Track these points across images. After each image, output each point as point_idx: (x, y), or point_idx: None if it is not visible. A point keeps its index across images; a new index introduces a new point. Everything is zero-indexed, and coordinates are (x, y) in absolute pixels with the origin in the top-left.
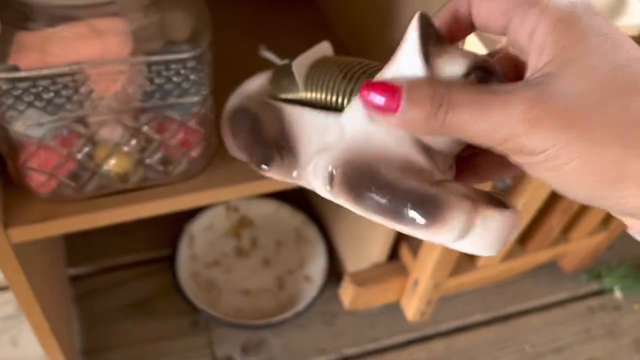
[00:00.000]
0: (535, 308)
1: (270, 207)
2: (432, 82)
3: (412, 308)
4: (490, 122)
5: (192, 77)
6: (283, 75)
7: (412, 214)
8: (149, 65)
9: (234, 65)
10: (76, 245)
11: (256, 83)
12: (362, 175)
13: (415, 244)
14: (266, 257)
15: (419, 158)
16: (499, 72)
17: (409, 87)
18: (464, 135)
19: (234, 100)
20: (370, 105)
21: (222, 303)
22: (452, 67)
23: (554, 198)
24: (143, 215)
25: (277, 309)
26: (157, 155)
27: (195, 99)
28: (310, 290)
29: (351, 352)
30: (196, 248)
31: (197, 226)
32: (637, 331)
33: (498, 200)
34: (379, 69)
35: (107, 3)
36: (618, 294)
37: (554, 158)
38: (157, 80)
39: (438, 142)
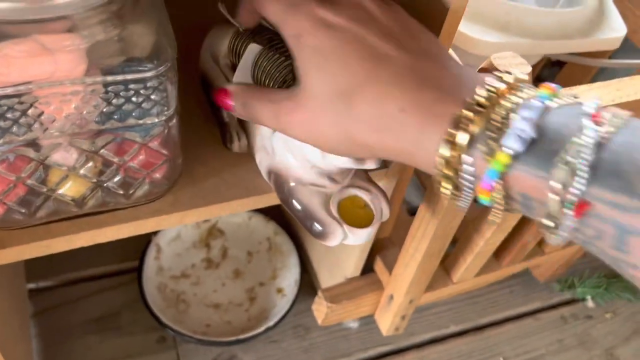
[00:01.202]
0: (508, 318)
1: (242, 217)
2: (244, 88)
3: (386, 323)
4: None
5: (154, 96)
6: (236, 51)
7: (315, 227)
8: (106, 85)
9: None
10: (36, 258)
11: (224, 44)
12: (288, 192)
13: (390, 259)
14: (237, 268)
15: (321, 180)
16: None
17: (233, 91)
18: (258, 120)
19: (205, 55)
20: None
21: (190, 318)
22: None
23: None
24: (102, 241)
25: (248, 324)
26: (116, 179)
27: (157, 119)
28: (282, 304)
29: None
30: (163, 260)
31: (164, 237)
32: (609, 341)
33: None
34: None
35: (58, 18)
36: (590, 303)
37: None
38: (115, 101)
39: (331, 168)
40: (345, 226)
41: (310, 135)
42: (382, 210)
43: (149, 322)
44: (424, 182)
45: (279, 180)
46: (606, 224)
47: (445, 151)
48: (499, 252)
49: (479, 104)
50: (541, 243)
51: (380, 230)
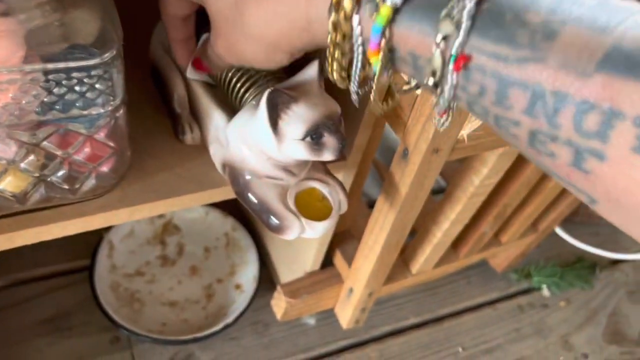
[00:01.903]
0: (467, 309)
1: (198, 212)
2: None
3: (346, 316)
4: None
5: (98, 86)
6: None
7: (272, 221)
8: (47, 73)
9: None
10: None
11: None
12: (243, 185)
13: (349, 253)
14: (194, 265)
15: (278, 173)
16: (337, 122)
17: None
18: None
19: (155, 44)
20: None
21: (145, 317)
22: (294, 132)
23: (487, 205)
24: (47, 239)
25: (205, 321)
26: (60, 173)
27: (103, 110)
28: (241, 300)
29: None
30: (116, 257)
31: (116, 234)
32: (563, 328)
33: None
34: (274, 78)
35: None
36: (546, 291)
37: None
38: (57, 90)
39: (288, 160)
40: (303, 219)
41: (232, 55)
42: (340, 203)
43: (102, 322)
44: (383, 175)
45: (234, 173)
46: (488, 77)
47: (334, 17)
48: (457, 243)
49: None
50: (498, 234)
51: (339, 223)
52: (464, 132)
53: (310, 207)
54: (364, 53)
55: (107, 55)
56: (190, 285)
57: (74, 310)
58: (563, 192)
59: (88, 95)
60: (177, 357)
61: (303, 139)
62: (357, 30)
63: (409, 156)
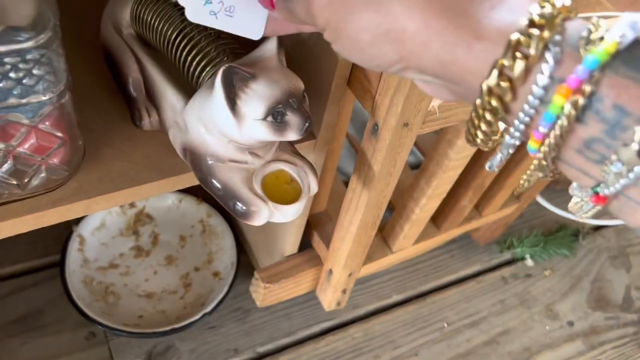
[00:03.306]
0: (451, 283)
1: (171, 200)
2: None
3: (327, 298)
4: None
5: (36, 71)
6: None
7: (238, 207)
8: None
9: (90, 45)
10: None
11: (126, 12)
12: (206, 170)
13: (327, 234)
14: (170, 254)
15: (241, 156)
16: (300, 99)
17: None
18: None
19: (106, 26)
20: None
21: (121, 310)
22: (254, 111)
23: (464, 178)
24: None
25: (183, 311)
26: (5, 167)
27: (45, 97)
28: (219, 288)
29: (266, 349)
30: (87, 251)
31: (87, 226)
32: (548, 297)
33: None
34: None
35: None
36: (529, 261)
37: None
38: None
39: (250, 141)
40: (271, 203)
41: (331, 12)
42: (310, 184)
43: (76, 319)
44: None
45: (195, 158)
46: None
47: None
48: (437, 218)
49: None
50: (478, 206)
51: (316, 204)
52: (435, 104)
53: (278, 190)
54: (539, 99)
55: (42, 37)
56: (167, 276)
57: (46, 308)
58: None
59: (25, 81)
60: (156, 350)
61: (264, 118)
62: (546, 69)
63: (379, 131)
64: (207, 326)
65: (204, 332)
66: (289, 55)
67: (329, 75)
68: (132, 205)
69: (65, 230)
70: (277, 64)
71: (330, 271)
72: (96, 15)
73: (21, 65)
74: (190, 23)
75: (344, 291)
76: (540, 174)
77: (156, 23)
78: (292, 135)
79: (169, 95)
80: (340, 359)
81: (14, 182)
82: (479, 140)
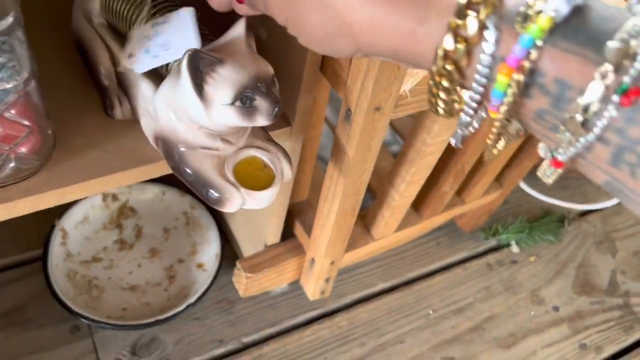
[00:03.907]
0: (436, 270)
1: (154, 192)
2: None
3: (311, 287)
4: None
5: None
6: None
7: (211, 194)
8: None
9: (61, 35)
10: None
11: (96, 1)
12: (178, 158)
13: (309, 222)
14: (153, 247)
15: (213, 143)
16: (269, 84)
17: None
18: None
19: (77, 15)
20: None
21: (105, 303)
22: (221, 96)
23: (444, 164)
24: None
25: (167, 303)
26: None
27: (9, 85)
28: (203, 279)
29: (251, 339)
30: (70, 245)
31: (69, 220)
32: (533, 283)
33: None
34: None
35: None
36: (515, 248)
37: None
38: None
39: (220, 127)
40: (243, 190)
41: (286, 11)
42: (283, 170)
43: (60, 313)
44: None
45: (167, 146)
46: None
47: (449, 43)
48: (418, 205)
49: None
50: (460, 193)
51: (297, 193)
52: (406, 87)
53: (251, 177)
54: (486, 77)
55: (2, 24)
56: (151, 268)
57: (30, 302)
58: (524, 146)
59: None
60: (141, 342)
61: (232, 103)
62: (489, 47)
63: (352, 117)
64: (191, 317)
65: (188, 324)
66: (258, 40)
67: (301, 61)
68: (115, 198)
69: (47, 225)
70: (245, 49)
71: (313, 260)
72: (67, 5)
73: None
74: (161, 11)
75: (327, 280)
76: (503, 139)
77: (126, 11)
78: (261, 120)
79: (139, 82)
80: (326, 347)
81: None
82: (442, 105)
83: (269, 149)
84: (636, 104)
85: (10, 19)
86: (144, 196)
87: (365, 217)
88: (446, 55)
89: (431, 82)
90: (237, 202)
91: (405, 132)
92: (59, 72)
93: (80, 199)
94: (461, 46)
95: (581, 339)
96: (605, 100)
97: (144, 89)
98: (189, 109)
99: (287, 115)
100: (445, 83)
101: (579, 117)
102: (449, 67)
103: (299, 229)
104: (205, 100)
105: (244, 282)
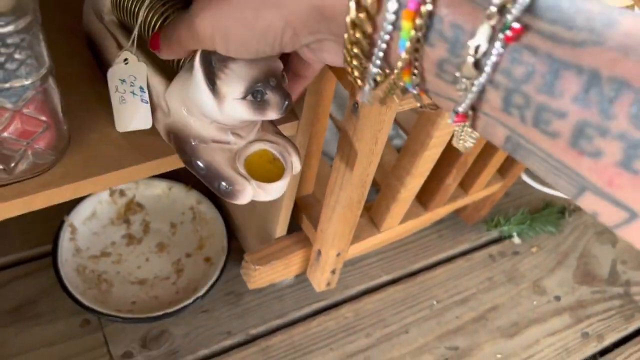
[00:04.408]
0: (439, 262)
1: (161, 188)
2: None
3: (317, 279)
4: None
5: (18, 55)
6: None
7: (222, 187)
8: None
9: (73, 32)
10: None
11: None
12: (190, 152)
13: (315, 216)
14: (161, 241)
15: (224, 136)
16: (279, 79)
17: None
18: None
19: (88, 12)
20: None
21: (114, 297)
22: (233, 91)
23: (448, 157)
24: None
25: (176, 296)
26: None
27: (28, 81)
28: (211, 273)
29: (259, 331)
30: (79, 240)
31: (78, 216)
32: (535, 274)
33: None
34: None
35: None
36: (516, 239)
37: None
38: None
39: (232, 121)
40: (254, 182)
41: (217, 34)
42: (293, 163)
43: (70, 307)
44: None
45: (179, 141)
46: (539, 58)
47: None
48: (423, 197)
49: None
50: (463, 184)
51: (303, 187)
52: None
53: (262, 170)
54: (394, 21)
55: (21, 22)
56: (159, 262)
57: (40, 298)
58: None
59: (7, 66)
60: (150, 335)
61: (244, 97)
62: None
63: (359, 110)
64: (199, 310)
65: (197, 316)
66: None
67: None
68: (122, 194)
69: (56, 221)
70: None
71: (319, 252)
72: (79, 3)
73: (2, 50)
74: (171, 8)
75: (333, 271)
76: (419, 104)
77: (136, 9)
78: (272, 114)
79: (151, 79)
80: (332, 339)
81: (1, 167)
82: (356, 74)
83: (279, 142)
84: (519, 42)
85: (29, 17)
86: (150, 192)
87: (370, 210)
88: (358, 4)
89: (344, 50)
90: (249, 194)
91: (407, 126)
92: (71, 69)
93: (88, 195)
94: None
95: (583, 328)
96: (492, 40)
97: (156, 86)
98: (201, 104)
99: (294, 109)
100: (358, 35)
101: (471, 59)
102: (361, 15)
103: (305, 223)
104: (218, 95)
105: (252, 275)
